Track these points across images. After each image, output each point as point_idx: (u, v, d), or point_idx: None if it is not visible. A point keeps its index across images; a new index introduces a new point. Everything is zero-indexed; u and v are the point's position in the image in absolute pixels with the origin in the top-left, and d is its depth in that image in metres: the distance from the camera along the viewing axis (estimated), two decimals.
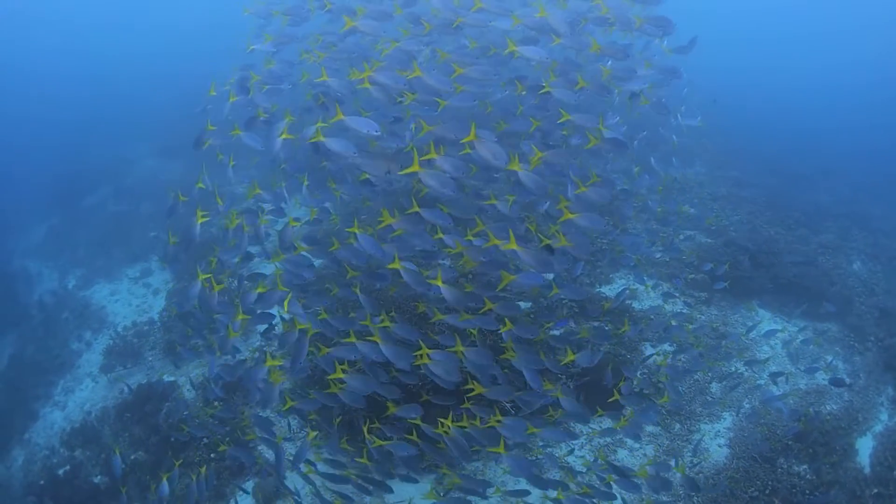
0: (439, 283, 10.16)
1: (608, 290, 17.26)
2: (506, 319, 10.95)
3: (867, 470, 14.09)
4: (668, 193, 19.63)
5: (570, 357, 11.30)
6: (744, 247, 18.52)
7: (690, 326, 16.29)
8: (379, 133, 10.40)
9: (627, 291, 16.27)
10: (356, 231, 10.50)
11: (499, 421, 10.21)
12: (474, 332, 11.61)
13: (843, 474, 13.68)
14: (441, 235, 10.86)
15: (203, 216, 12.31)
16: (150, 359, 17.54)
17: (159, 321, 18.78)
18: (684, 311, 17.04)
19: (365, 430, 11.32)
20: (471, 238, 10.76)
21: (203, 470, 12.29)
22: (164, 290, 19.98)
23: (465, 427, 10.20)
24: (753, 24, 57.04)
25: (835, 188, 26.15)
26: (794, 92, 37.59)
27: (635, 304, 16.94)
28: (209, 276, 11.65)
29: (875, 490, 13.69)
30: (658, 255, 18.64)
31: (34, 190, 28.44)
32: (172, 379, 16.46)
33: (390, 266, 10.39)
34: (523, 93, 12.67)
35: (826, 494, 13.14)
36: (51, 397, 18.05)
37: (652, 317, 16.37)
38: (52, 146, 31.87)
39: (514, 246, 9.92)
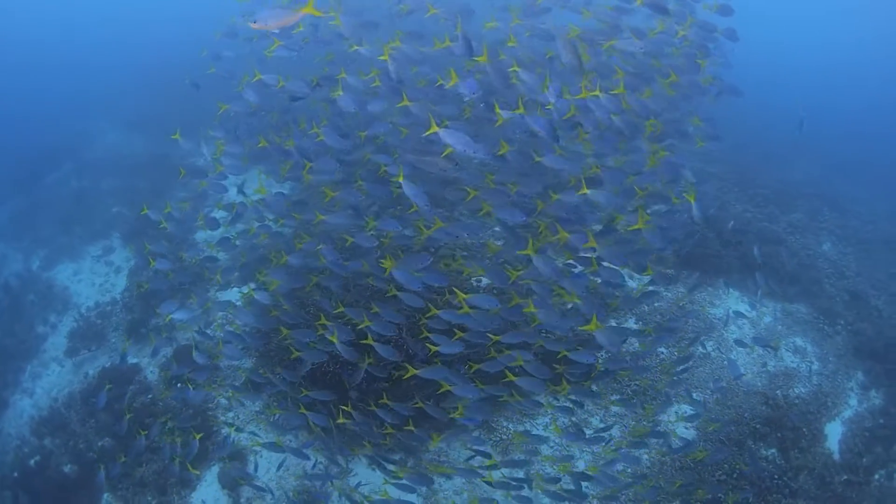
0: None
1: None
2: None
3: (836, 456, 14.13)
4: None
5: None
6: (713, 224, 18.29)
7: (656, 304, 16.22)
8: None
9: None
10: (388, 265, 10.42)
11: None
12: None
13: (812, 459, 13.71)
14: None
15: None
16: (114, 340, 17.22)
17: (121, 301, 18.42)
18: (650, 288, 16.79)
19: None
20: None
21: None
22: (125, 268, 19.62)
23: None
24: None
25: (806, 167, 26.00)
26: (768, 68, 37.41)
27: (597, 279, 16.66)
28: None
29: (844, 477, 13.73)
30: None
31: None
32: (136, 361, 16.18)
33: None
34: None
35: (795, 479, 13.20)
36: (20, 384, 17.66)
37: (617, 293, 16.12)
38: (12, 121, 31.11)
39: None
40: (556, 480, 11.87)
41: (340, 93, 11.54)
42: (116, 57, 37.10)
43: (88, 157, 27.36)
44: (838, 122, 31.60)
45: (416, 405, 11.03)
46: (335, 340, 10.69)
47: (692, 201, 11.33)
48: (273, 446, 12.12)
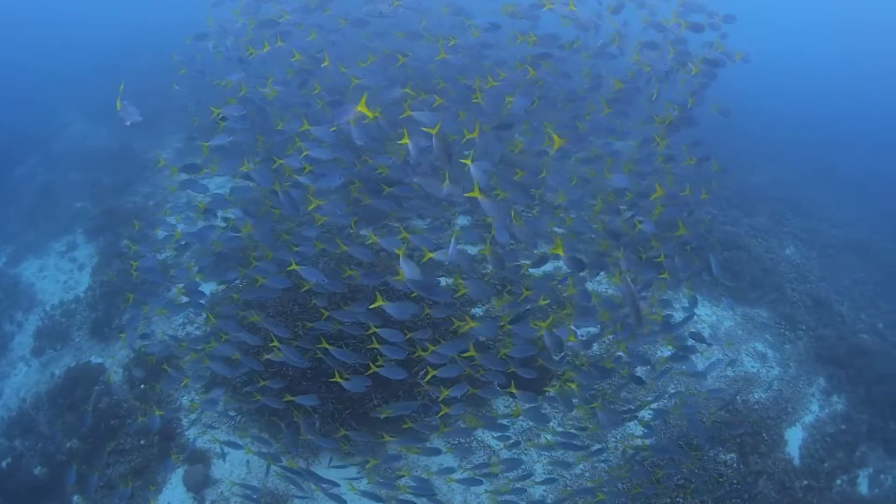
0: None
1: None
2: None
3: (797, 461, 14.28)
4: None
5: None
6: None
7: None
8: None
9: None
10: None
11: None
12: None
13: (771, 464, 13.85)
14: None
15: None
16: (78, 339, 17.08)
17: (85, 299, 18.24)
18: (610, 291, 16.66)
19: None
20: None
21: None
22: (89, 264, 19.38)
23: None
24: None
25: (771, 171, 26.09)
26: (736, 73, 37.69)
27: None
28: None
29: (805, 482, 13.89)
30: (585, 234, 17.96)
31: None
32: (100, 361, 16.10)
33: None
34: None
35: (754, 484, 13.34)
36: None
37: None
38: None
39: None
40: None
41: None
42: (81, 39, 36.76)
43: (55, 149, 27.01)
44: (805, 128, 31.92)
45: (407, 426, 11.19)
46: (342, 379, 10.74)
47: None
48: (266, 455, 12.19)
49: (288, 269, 10.74)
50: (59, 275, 19.54)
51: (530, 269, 13.02)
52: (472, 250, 16.40)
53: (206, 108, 13.03)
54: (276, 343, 11.12)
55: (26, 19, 44.63)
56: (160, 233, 18.06)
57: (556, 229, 16.75)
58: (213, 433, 13.77)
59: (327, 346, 10.78)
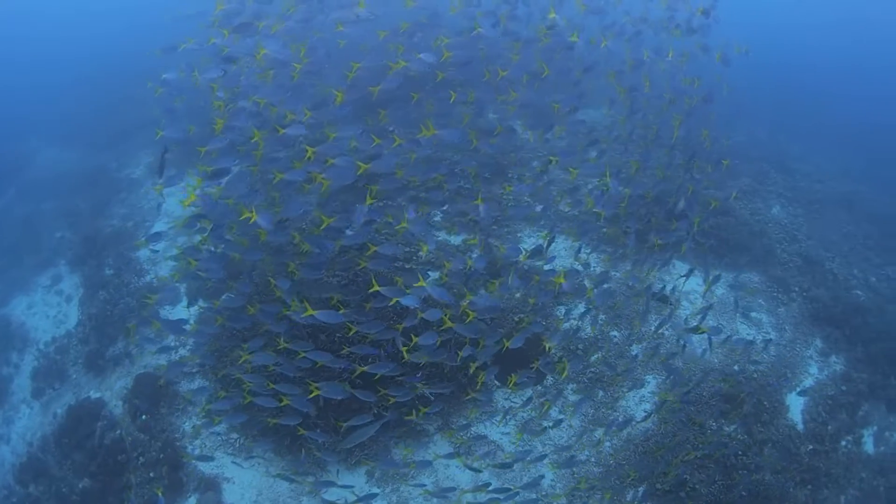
0: None
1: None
2: None
3: (800, 426, 14.33)
4: (573, 138, 18.64)
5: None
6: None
7: (605, 286, 15.46)
8: None
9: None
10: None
11: None
12: None
13: (775, 432, 13.89)
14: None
15: None
16: (75, 375, 16.97)
17: (76, 334, 18.06)
18: (597, 268, 16.38)
19: None
20: None
21: None
22: (76, 296, 19.15)
23: None
24: None
25: (751, 129, 25.87)
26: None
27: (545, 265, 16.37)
28: None
29: (811, 446, 13.95)
30: (567, 210, 17.71)
31: None
32: (99, 395, 16.00)
33: None
34: None
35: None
36: None
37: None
38: None
39: None
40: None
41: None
42: (41, 53, 36.33)
43: (28, 177, 26.59)
44: (783, 81, 31.75)
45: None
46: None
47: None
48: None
49: (305, 314, 10.71)
50: (48, 310, 19.31)
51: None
52: (457, 240, 16.35)
53: (178, 120, 13.01)
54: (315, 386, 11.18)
55: None
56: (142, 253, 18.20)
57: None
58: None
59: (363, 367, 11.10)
